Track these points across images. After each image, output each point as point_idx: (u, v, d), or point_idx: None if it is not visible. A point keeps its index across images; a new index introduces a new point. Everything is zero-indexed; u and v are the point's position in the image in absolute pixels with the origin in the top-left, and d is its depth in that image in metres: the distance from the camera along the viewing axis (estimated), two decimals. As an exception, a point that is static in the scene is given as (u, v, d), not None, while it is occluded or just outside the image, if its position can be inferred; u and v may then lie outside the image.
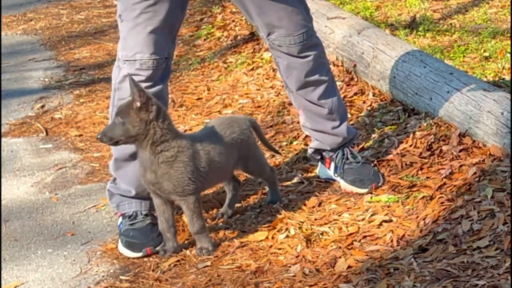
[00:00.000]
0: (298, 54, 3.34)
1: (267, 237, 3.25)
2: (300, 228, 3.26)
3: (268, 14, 3.26)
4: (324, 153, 3.57)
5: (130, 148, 3.15)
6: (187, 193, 3.08)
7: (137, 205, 3.28)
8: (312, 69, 3.39)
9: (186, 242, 3.27)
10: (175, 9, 3.15)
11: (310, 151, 3.62)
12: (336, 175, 3.55)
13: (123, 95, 3.13)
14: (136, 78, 3.07)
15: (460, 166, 3.41)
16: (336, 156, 3.53)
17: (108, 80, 5.44)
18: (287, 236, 3.24)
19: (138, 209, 3.27)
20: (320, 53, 3.42)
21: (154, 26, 3.12)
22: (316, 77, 3.41)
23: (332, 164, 3.55)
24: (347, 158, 3.53)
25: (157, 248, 3.20)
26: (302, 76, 3.39)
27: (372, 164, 3.59)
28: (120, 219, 3.31)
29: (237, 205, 3.50)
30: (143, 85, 3.09)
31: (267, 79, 4.86)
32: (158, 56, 3.16)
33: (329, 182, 3.61)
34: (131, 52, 3.15)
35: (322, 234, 3.23)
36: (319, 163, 3.63)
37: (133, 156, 3.18)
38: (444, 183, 3.35)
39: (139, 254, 3.20)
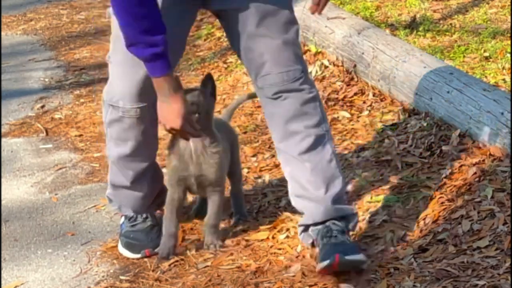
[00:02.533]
0: (280, 95, 2.92)
1: (267, 237, 3.25)
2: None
3: (251, 51, 2.91)
4: (310, 231, 3.03)
5: (124, 181, 3.15)
6: (223, 184, 3.16)
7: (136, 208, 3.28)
8: (294, 116, 2.94)
9: (186, 242, 3.27)
10: (176, 30, 2.88)
11: (299, 230, 3.10)
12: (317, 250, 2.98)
13: (114, 135, 3.08)
14: (120, 125, 3.01)
15: (460, 166, 3.41)
16: (320, 231, 2.97)
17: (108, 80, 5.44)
18: (287, 237, 3.24)
19: (138, 211, 3.27)
20: (306, 101, 2.95)
21: (143, 73, 2.85)
22: (299, 126, 2.94)
23: (317, 237, 2.98)
24: (331, 236, 2.93)
25: (156, 250, 3.20)
26: (283, 122, 2.94)
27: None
28: (123, 218, 3.31)
29: (237, 205, 3.50)
30: (128, 132, 3.01)
31: (267, 79, 4.86)
32: (143, 104, 2.95)
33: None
34: (115, 98, 2.98)
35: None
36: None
37: (127, 188, 3.18)
38: (444, 183, 3.35)
39: (138, 256, 3.20)
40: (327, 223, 2.98)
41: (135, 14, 2.65)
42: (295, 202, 3.08)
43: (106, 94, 3.06)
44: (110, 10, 2.85)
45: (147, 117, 3.01)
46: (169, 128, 2.86)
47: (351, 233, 3.05)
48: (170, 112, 2.81)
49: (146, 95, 2.93)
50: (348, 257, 2.83)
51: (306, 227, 3.05)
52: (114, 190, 3.25)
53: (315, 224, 3.01)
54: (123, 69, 2.93)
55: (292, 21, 2.96)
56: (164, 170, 3.28)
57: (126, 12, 2.66)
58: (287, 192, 3.50)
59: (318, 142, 2.98)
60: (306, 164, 2.98)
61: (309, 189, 2.99)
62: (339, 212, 2.99)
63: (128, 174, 3.15)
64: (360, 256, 2.88)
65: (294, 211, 3.39)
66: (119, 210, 3.30)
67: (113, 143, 3.12)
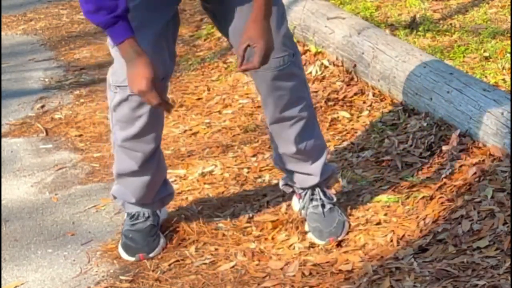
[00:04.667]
0: (273, 81, 3.01)
1: (267, 237, 3.25)
2: (300, 228, 3.26)
3: (238, 35, 2.90)
4: (294, 188, 3.34)
5: (133, 165, 3.15)
6: None
7: (139, 206, 3.28)
8: (289, 103, 3.07)
9: (186, 242, 3.27)
10: (163, 26, 2.95)
11: (281, 183, 3.39)
12: (302, 214, 3.30)
13: (121, 117, 3.08)
14: (127, 104, 3.01)
15: (460, 166, 3.41)
16: (305, 195, 3.27)
17: (108, 80, 5.44)
18: (287, 237, 3.24)
19: (140, 210, 3.27)
20: (299, 86, 3.09)
21: (146, 49, 2.84)
22: (293, 112, 3.10)
23: (300, 201, 3.30)
24: (315, 200, 3.25)
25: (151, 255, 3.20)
26: (278, 109, 3.08)
27: (340, 210, 3.28)
28: (125, 216, 3.31)
29: (237, 205, 3.50)
30: (136, 111, 3.01)
31: (267, 79, 4.86)
32: None
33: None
34: (121, 78, 2.98)
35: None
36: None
37: (135, 173, 3.18)
38: (444, 183, 3.35)
39: (132, 259, 3.20)
40: (314, 189, 3.26)
41: None
42: (280, 169, 3.33)
43: (111, 77, 3.05)
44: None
45: None
46: (136, 91, 2.81)
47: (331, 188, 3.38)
48: (135, 75, 2.78)
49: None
50: (339, 238, 3.20)
51: (287, 184, 3.34)
52: (120, 182, 3.24)
53: (302, 189, 3.28)
54: None
55: (276, 2, 2.95)
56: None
57: None
58: (287, 192, 3.51)
59: (310, 122, 3.16)
60: (299, 146, 3.15)
61: (296, 164, 3.21)
62: (323, 176, 3.25)
63: (136, 156, 3.13)
64: (346, 227, 3.23)
65: (294, 211, 3.39)
66: (122, 207, 3.30)
67: (119, 127, 3.10)
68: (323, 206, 3.24)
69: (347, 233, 3.21)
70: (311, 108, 3.18)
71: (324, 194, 3.27)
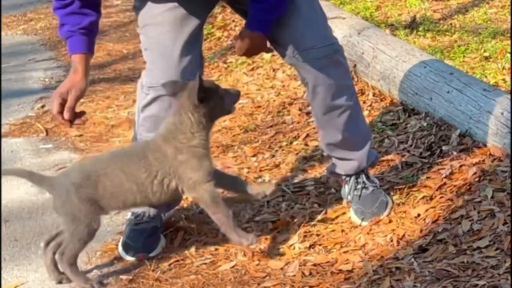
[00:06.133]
0: (322, 69, 3.11)
1: (267, 237, 3.25)
2: (300, 228, 3.26)
3: (285, 29, 3.08)
4: (341, 176, 3.40)
5: None
6: None
7: (145, 207, 3.28)
8: (338, 90, 3.17)
9: (186, 242, 3.27)
10: (193, 23, 3.08)
11: (327, 173, 3.52)
12: (348, 199, 3.39)
13: (148, 117, 3.13)
14: (158, 104, 3.08)
15: (460, 166, 3.41)
16: (350, 181, 3.37)
17: (108, 80, 5.45)
18: (287, 236, 3.24)
19: (146, 210, 3.27)
20: (344, 74, 3.20)
21: (178, 51, 3.04)
22: (342, 101, 3.20)
23: (346, 187, 3.39)
24: (359, 184, 3.35)
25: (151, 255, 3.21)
26: (329, 97, 3.17)
27: (384, 192, 3.37)
28: (129, 215, 3.31)
29: (237, 205, 3.50)
30: (166, 112, 3.05)
31: (267, 79, 4.86)
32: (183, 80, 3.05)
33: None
34: (155, 80, 3.08)
35: (322, 234, 3.23)
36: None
37: None
38: (444, 183, 3.35)
39: (132, 259, 3.20)
40: (358, 174, 3.35)
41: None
42: (327, 154, 3.43)
43: (145, 79, 3.13)
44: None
45: None
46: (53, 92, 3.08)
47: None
48: (64, 82, 3.08)
49: (186, 73, 3.03)
50: (381, 217, 3.29)
51: (333, 173, 3.42)
52: None
53: (347, 175, 3.37)
54: (158, 51, 3.06)
55: None
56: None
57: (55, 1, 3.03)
58: (287, 192, 3.51)
59: (356, 110, 3.26)
60: (346, 134, 3.25)
61: (344, 152, 3.30)
62: (368, 162, 3.35)
63: None
64: (389, 207, 3.32)
65: (294, 211, 3.40)
66: None
67: (145, 128, 3.15)
68: (366, 188, 3.33)
69: (387, 213, 3.29)
70: (356, 95, 3.28)
71: (368, 178, 3.36)
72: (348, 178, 3.37)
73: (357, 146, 3.30)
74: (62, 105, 3.01)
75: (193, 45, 3.08)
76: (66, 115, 3.01)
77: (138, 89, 3.19)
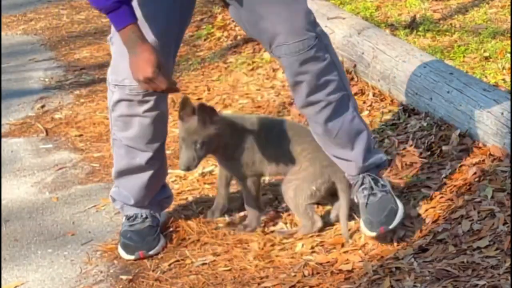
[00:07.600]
0: (296, 65, 2.93)
1: (267, 237, 3.25)
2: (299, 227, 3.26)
3: (262, 22, 2.91)
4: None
5: (137, 160, 3.15)
6: None
7: (137, 208, 3.28)
8: (315, 86, 2.98)
9: (186, 242, 3.27)
10: (169, 27, 2.92)
11: None
12: (355, 201, 3.17)
13: (119, 116, 3.08)
14: (125, 103, 3.00)
15: (460, 166, 3.41)
16: (355, 183, 3.14)
17: (108, 80, 5.44)
18: (287, 236, 3.24)
19: (138, 212, 3.27)
20: (325, 69, 2.99)
21: None
22: (320, 96, 3.00)
23: (352, 189, 3.18)
24: (365, 189, 3.10)
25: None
26: (305, 93, 2.99)
27: (395, 198, 3.13)
28: (124, 219, 3.31)
29: (237, 205, 3.50)
30: (134, 110, 3.01)
31: (267, 79, 4.86)
32: None
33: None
34: (120, 77, 2.97)
35: (322, 234, 3.23)
36: None
37: (138, 168, 3.18)
38: (444, 183, 3.35)
39: (132, 257, 3.20)
40: (361, 175, 3.12)
41: None
42: (327, 152, 3.18)
43: (110, 76, 3.03)
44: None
45: (154, 94, 2.96)
46: (142, 78, 2.75)
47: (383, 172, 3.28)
48: (140, 62, 2.73)
49: None
50: (391, 226, 3.06)
51: None
52: (119, 183, 3.23)
53: (351, 176, 3.16)
54: (123, 48, 2.81)
55: None
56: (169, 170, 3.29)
57: None
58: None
59: (340, 106, 3.05)
60: (331, 130, 3.05)
61: (335, 149, 3.11)
62: (370, 164, 3.12)
63: (141, 153, 3.13)
64: (399, 215, 3.08)
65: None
66: (121, 209, 3.30)
67: (117, 128, 3.10)
68: (374, 195, 3.09)
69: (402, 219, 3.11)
70: (342, 91, 3.05)
71: (376, 182, 3.11)
72: (353, 180, 3.15)
73: (347, 144, 3.08)
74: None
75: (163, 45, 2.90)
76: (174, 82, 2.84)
77: (108, 86, 3.09)
